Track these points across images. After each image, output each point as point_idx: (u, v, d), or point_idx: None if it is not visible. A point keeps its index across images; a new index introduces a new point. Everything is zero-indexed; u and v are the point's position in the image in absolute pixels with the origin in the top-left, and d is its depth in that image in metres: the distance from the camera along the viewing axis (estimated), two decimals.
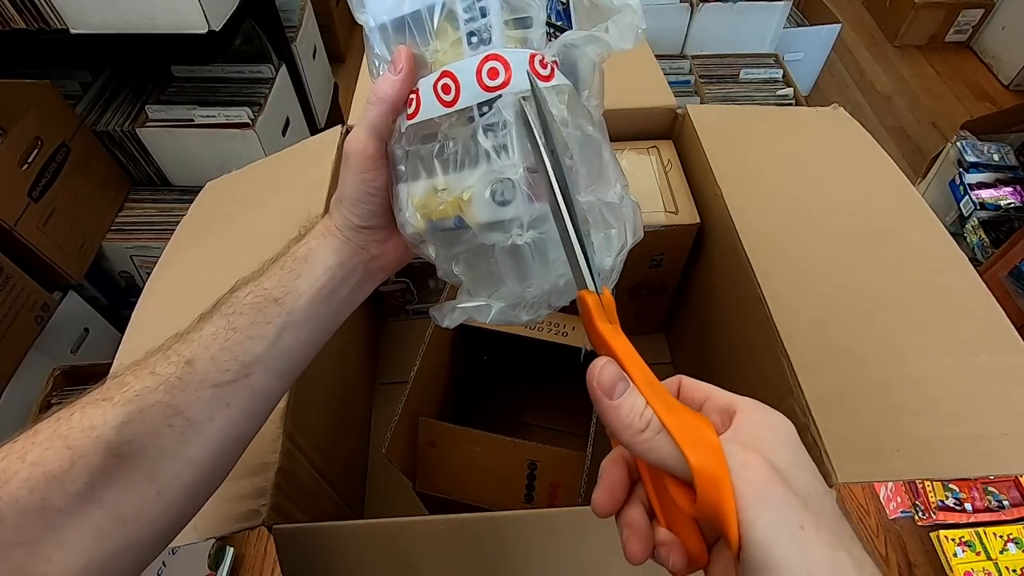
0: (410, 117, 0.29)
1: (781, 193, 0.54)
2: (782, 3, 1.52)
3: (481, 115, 0.27)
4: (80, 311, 1.09)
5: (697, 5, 1.51)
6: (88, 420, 0.25)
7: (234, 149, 1.13)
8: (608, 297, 0.26)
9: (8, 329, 0.93)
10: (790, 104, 1.47)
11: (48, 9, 0.92)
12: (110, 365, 0.46)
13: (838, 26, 1.69)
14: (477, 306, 0.31)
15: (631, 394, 0.23)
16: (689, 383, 0.26)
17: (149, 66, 1.21)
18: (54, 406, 0.91)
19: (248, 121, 1.12)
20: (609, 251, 0.30)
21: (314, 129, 1.41)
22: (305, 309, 0.31)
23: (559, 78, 0.28)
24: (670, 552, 0.23)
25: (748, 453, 0.21)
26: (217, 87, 1.20)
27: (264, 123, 1.14)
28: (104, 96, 1.19)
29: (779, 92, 1.50)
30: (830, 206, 0.53)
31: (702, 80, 1.52)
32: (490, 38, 0.27)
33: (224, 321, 0.30)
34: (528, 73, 0.26)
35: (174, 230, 0.59)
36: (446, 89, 0.27)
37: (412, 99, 0.29)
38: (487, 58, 0.26)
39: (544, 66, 0.27)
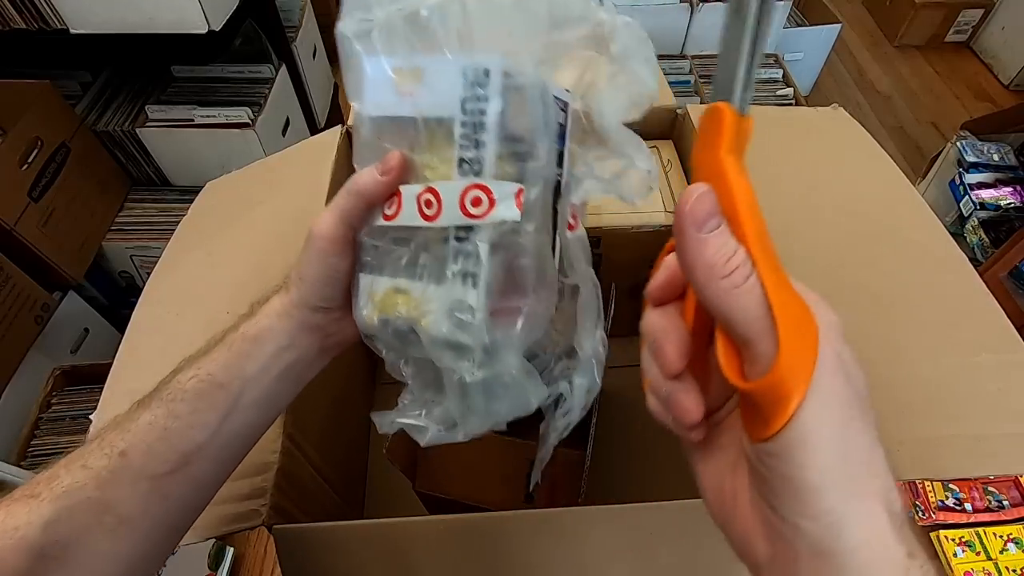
0: (388, 218, 0.29)
1: (781, 193, 0.54)
2: (782, 3, 1.52)
3: (457, 239, 0.27)
4: (80, 311, 1.09)
5: (697, 5, 1.51)
6: (12, 520, 0.24)
7: (234, 149, 1.13)
8: (749, 125, 0.21)
9: (8, 329, 0.93)
10: (790, 104, 1.47)
11: (48, 9, 0.92)
12: (110, 365, 0.46)
13: (838, 26, 1.69)
14: (416, 425, 0.32)
15: (723, 234, 0.20)
16: None
17: (149, 66, 1.21)
18: (54, 406, 0.89)
19: (248, 121, 1.12)
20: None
21: (314, 129, 1.41)
22: (253, 392, 0.30)
23: (580, 229, 0.30)
24: (684, 395, 0.22)
25: (819, 337, 0.19)
26: (217, 87, 1.20)
27: (264, 123, 1.14)
28: (104, 96, 1.19)
29: (779, 92, 1.50)
30: (830, 206, 0.53)
31: (702, 80, 1.52)
32: (481, 170, 0.27)
33: (163, 408, 0.28)
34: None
35: (174, 230, 0.59)
36: (428, 204, 0.28)
37: (394, 200, 0.29)
38: (473, 186, 0.27)
39: (574, 218, 0.30)
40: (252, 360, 0.30)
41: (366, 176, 0.29)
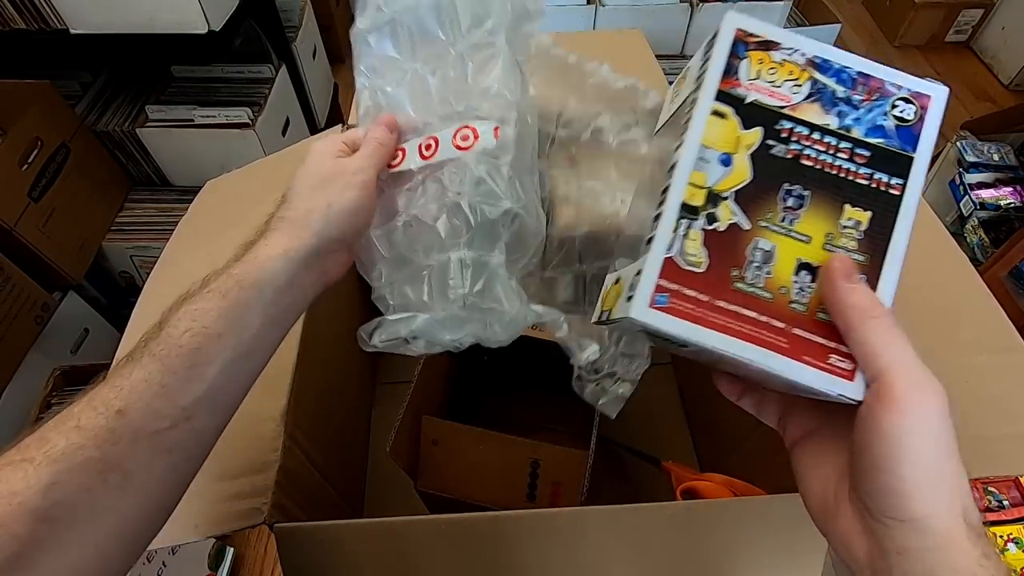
0: (393, 167, 0.37)
1: None
2: (782, 3, 1.52)
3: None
4: (80, 311, 1.09)
5: (697, 5, 1.51)
6: (7, 486, 0.23)
7: (234, 149, 1.13)
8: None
9: (8, 329, 0.93)
10: None
11: (48, 9, 0.92)
12: (110, 365, 0.46)
13: (838, 26, 1.69)
14: (403, 318, 0.35)
15: (864, 285, 0.26)
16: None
17: (149, 66, 1.21)
18: (54, 406, 0.89)
19: (248, 121, 1.12)
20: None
21: (314, 129, 1.41)
22: (251, 341, 0.30)
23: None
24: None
25: (927, 372, 0.24)
26: (217, 87, 1.20)
27: (264, 123, 1.14)
28: (104, 96, 1.19)
29: None
30: None
31: None
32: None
33: (157, 364, 0.27)
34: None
35: (174, 230, 0.59)
36: (427, 147, 0.36)
37: (399, 154, 0.37)
38: (463, 127, 0.35)
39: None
40: (251, 309, 0.30)
41: (380, 132, 0.37)
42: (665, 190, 0.27)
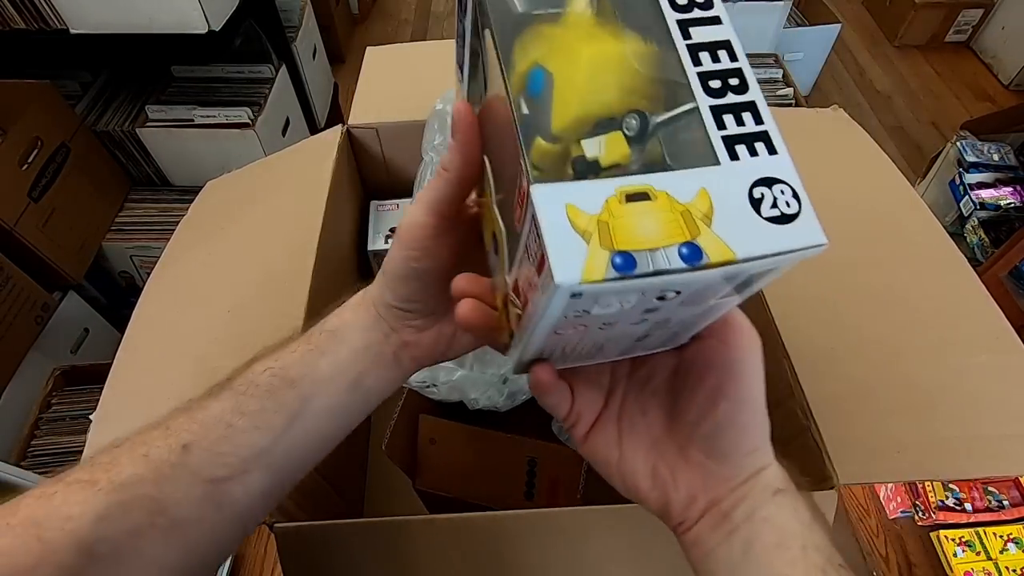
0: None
1: None
2: (782, 3, 1.52)
3: None
4: (80, 311, 1.09)
5: None
6: (67, 508, 0.22)
7: (234, 149, 1.13)
8: None
9: (8, 329, 0.92)
10: (790, 104, 1.47)
11: (48, 9, 0.92)
12: (110, 365, 0.46)
13: (838, 26, 1.69)
14: (445, 367, 0.33)
15: None
16: None
17: (149, 66, 1.21)
18: (54, 406, 0.88)
19: (248, 121, 1.12)
20: None
21: (314, 129, 1.41)
22: (324, 397, 0.28)
23: None
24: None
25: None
26: (217, 87, 1.20)
27: (264, 123, 1.14)
28: (104, 96, 1.19)
29: (779, 92, 1.50)
30: (830, 207, 0.53)
31: None
32: None
33: (232, 401, 0.26)
34: None
35: (174, 230, 0.59)
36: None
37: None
38: None
39: None
40: (327, 358, 0.28)
41: (446, 154, 0.26)
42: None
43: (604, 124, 0.19)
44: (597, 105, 0.20)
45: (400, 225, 0.27)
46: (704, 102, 0.20)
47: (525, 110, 0.20)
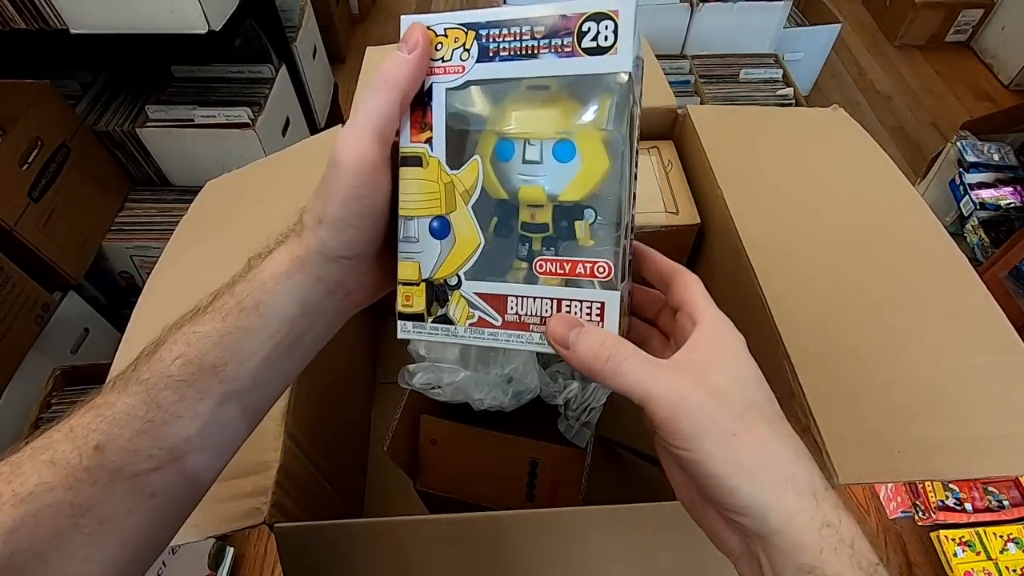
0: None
1: (781, 193, 0.54)
2: (782, 3, 1.52)
3: None
4: (80, 311, 1.09)
5: (697, 5, 1.51)
6: None
7: (234, 149, 1.13)
8: None
9: (8, 329, 0.92)
10: (790, 104, 1.47)
11: (48, 9, 0.92)
12: (110, 365, 0.46)
13: (838, 26, 1.69)
14: (448, 369, 0.34)
15: (586, 335, 0.24)
16: (680, 282, 0.28)
17: (149, 66, 1.21)
18: (54, 406, 0.88)
19: (248, 121, 1.12)
20: None
21: (314, 129, 1.41)
22: (254, 373, 0.25)
23: None
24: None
25: (681, 379, 0.23)
26: (217, 87, 1.20)
27: (264, 123, 1.14)
28: (104, 96, 1.19)
29: (779, 92, 1.50)
30: (830, 206, 0.53)
31: (702, 80, 1.52)
32: None
33: (144, 395, 0.24)
34: None
35: (174, 230, 0.59)
36: None
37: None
38: None
39: None
40: (252, 336, 0.25)
41: (390, 63, 0.25)
42: None
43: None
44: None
45: (340, 160, 0.25)
46: None
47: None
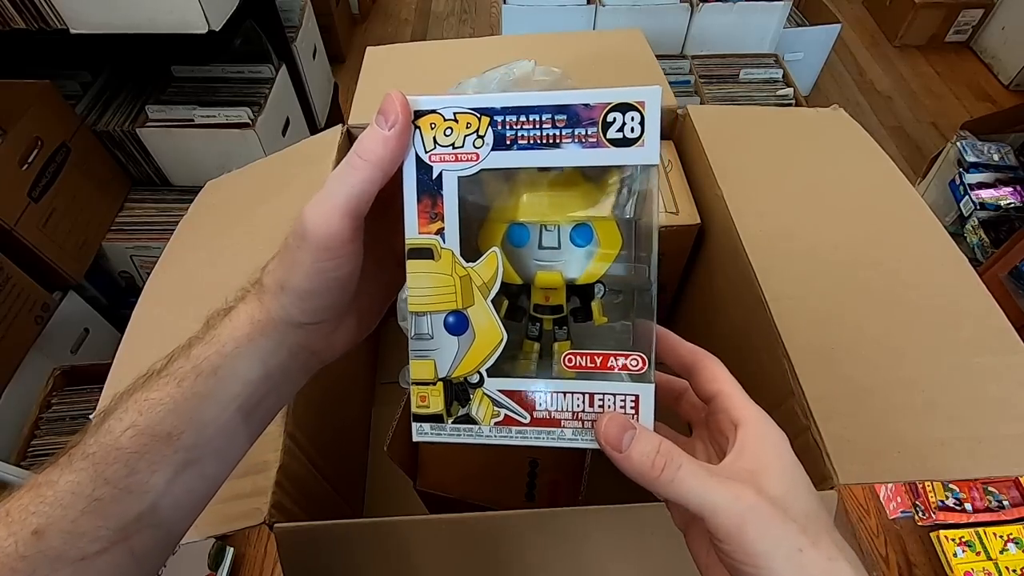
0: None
1: (781, 194, 0.54)
2: (782, 3, 1.52)
3: None
4: (80, 311, 1.09)
5: (697, 5, 1.51)
6: None
7: (234, 149, 1.13)
8: None
9: (8, 329, 0.93)
10: (790, 104, 1.47)
11: (48, 9, 0.92)
12: (110, 365, 0.46)
13: (838, 26, 1.69)
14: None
15: (639, 442, 0.23)
16: (707, 372, 0.27)
17: (149, 66, 1.21)
18: (54, 405, 0.88)
19: (248, 121, 1.12)
20: None
21: (314, 129, 1.41)
22: (212, 441, 0.24)
23: None
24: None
25: (744, 489, 0.22)
26: (217, 87, 1.20)
27: (264, 123, 1.14)
28: (104, 96, 1.19)
29: (779, 92, 1.50)
30: (830, 207, 0.53)
31: (702, 80, 1.52)
32: None
33: (90, 471, 0.22)
34: None
35: (174, 230, 0.59)
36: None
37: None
38: None
39: None
40: (210, 402, 0.24)
41: (369, 140, 0.23)
42: None
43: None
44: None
45: (307, 233, 0.23)
46: None
47: None
